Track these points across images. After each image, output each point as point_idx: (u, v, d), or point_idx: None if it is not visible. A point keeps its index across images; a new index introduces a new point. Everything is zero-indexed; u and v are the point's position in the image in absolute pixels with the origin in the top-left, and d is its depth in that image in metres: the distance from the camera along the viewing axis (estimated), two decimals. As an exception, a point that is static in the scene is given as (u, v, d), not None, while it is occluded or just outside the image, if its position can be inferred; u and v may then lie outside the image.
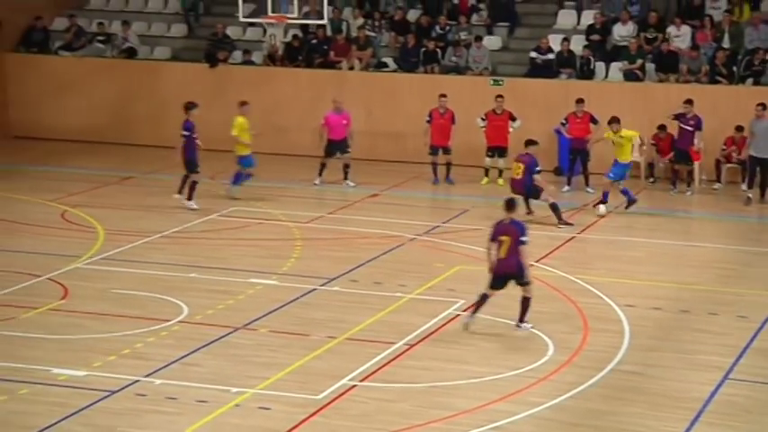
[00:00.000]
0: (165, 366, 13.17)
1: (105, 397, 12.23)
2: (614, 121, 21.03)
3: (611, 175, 20.84)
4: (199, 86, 26.95)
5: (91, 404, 12.03)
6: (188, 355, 13.60)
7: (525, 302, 14.49)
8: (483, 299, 14.41)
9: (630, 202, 20.94)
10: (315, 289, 16.26)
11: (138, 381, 12.71)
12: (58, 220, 19.99)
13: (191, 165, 20.86)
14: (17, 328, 14.34)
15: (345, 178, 23.01)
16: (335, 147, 23.10)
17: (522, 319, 14.55)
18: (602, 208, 20.71)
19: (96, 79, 27.39)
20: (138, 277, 16.69)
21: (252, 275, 16.80)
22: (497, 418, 11.89)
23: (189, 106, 21.09)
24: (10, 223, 19.80)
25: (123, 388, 12.49)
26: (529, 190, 19.91)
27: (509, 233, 14.23)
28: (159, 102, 27.11)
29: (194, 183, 20.75)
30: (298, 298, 15.89)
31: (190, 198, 20.69)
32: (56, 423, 11.54)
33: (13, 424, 11.53)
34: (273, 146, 25.48)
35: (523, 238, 14.18)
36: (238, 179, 21.87)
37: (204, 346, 13.90)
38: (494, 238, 14.33)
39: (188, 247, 18.40)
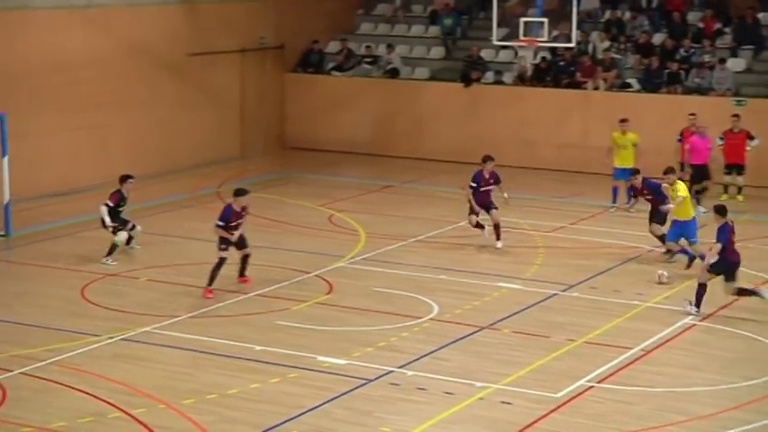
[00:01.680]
0: (416, 359, 13.33)
1: (363, 384, 12.50)
2: (668, 171, 17.45)
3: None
4: (454, 104, 27.19)
5: (350, 390, 12.32)
6: (437, 350, 13.71)
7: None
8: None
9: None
10: (556, 294, 16.08)
11: (392, 371, 12.92)
12: (326, 223, 20.60)
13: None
14: (290, 319, 14.86)
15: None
16: (699, 172, 21.22)
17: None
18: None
19: (363, 97, 28.07)
20: (395, 277, 16.98)
21: (498, 279, 16.78)
22: (732, 426, 11.40)
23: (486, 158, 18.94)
24: (284, 225, 20.56)
25: (379, 377, 12.72)
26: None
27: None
28: (418, 117, 27.51)
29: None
30: (540, 302, 15.75)
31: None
32: (320, 405, 11.88)
33: (284, 403, 11.95)
34: (521, 159, 25.40)
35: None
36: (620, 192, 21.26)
37: (452, 343, 13.98)
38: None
39: (439, 251, 18.57)
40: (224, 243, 16.00)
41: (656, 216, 17.93)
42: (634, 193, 18.62)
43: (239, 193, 16.20)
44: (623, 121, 21.96)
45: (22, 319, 14.60)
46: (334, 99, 28.28)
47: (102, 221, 17.73)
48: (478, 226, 18.69)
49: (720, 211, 14.91)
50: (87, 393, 11.99)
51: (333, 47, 29.53)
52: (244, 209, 16.18)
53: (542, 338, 14.18)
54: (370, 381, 12.62)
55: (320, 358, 13.27)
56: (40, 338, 13.81)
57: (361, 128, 27.97)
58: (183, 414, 11.49)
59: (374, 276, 17.02)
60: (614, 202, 21.69)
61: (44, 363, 12.91)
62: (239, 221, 16.10)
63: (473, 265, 17.60)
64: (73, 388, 12.14)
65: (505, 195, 18.51)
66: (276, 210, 21.76)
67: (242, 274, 16.43)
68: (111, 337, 13.90)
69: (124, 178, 17.90)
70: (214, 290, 15.71)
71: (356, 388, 12.39)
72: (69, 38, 22.91)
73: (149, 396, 11.97)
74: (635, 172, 18.54)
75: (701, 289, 14.91)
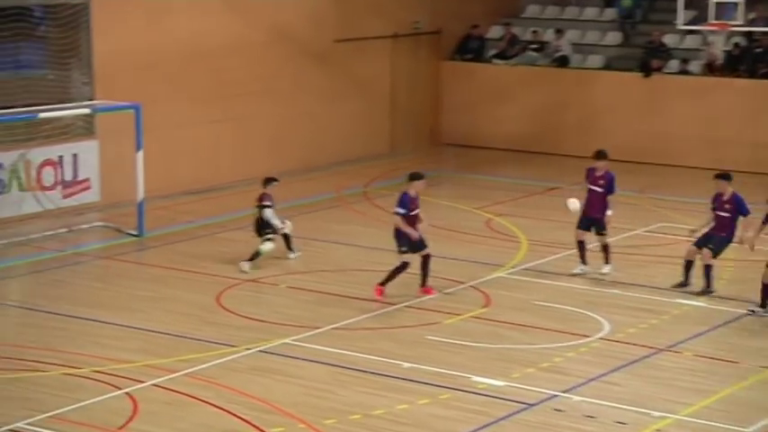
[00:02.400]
0: (583, 383, 13.20)
1: (523, 409, 12.44)
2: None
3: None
4: (631, 96, 26.81)
5: (508, 415, 12.28)
6: (608, 373, 13.54)
7: None
8: None
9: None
10: (743, 315, 15.68)
11: (556, 396, 12.82)
12: (483, 228, 20.59)
13: None
14: (441, 333, 14.92)
15: None
16: None
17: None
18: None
19: (527, 87, 27.95)
20: (559, 290, 16.84)
21: (678, 295, 16.46)
22: None
23: None
24: (437, 229, 20.62)
25: (541, 402, 12.65)
26: None
27: None
28: (589, 111, 27.23)
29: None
30: (728, 322, 15.38)
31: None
32: (476, 430, 11.89)
33: (433, 427, 12.00)
34: (707, 160, 24.85)
35: None
36: None
37: (625, 366, 13.78)
38: None
39: (612, 263, 18.31)
40: (404, 243, 16.04)
41: None
42: None
43: (415, 177, 16.23)
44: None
45: (154, 327, 15.08)
46: (495, 90, 28.25)
47: (260, 226, 18.00)
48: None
49: None
50: (222, 409, 12.30)
51: (495, 32, 29.50)
52: (417, 197, 16.23)
53: (730, 364, 13.83)
54: (531, 405, 12.55)
55: (475, 378, 13.27)
56: (173, 348, 14.24)
57: (525, 122, 27.84)
58: (324, 435, 11.67)
59: (536, 289, 16.92)
60: None
61: (177, 374, 13.31)
62: (418, 211, 16.12)
63: (650, 279, 17.32)
64: (207, 402, 12.47)
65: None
66: (428, 213, 21.71)
67: (424, 282, 16.41)
68: (248, 349, 14.23)
69: (268, 180, 18.27)
70: (384, 292, 15.89)
71: (515, 413, 12.35)
72: (208, 24, 23.56)
73: (288, 414, 12.20)
74: None
75: None
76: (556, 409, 12.46)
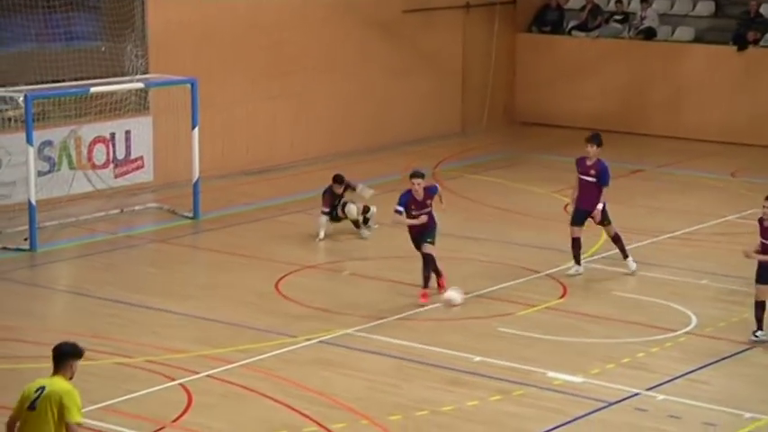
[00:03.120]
0: (668, 381, 13.11)
1: (602, 408, 12.39)
2: None
3: None
4: (723, 72, 26.51)
5: (586, 414, 12.24)
6: (695, 370, 13.44)
7: None
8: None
9: None
10: None
11: (638, 394, 12.75)
12: (560, 214, 20.48)
13: None
14: (514, 325, 14.90)
15: None
16: None
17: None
18: None
19: (610, 62, 27.74)
20: (642, 280, 16.74)
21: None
22: None
23: None
24: (512, 213, 20.59)
25: (622, 400, 12.59)
26: None
27: None
28: (677, 88, 26.97)
29: None
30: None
31: None
32: (550, 430, 11.87)
33: (505, 425, 12.00)
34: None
35: None
36: None
37: (714, 363, 13.67)
38: None
39: (699, 251, 18.18)
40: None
41: None
42: None
43: (414, 175, 15.74)
44: None
45: (209, 315, 15.23)
46: (574, 65, 28.07)
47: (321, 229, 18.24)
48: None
49: None
50: (280, 402, 12.40)
51: (575, 2, 29.30)
52: (428, 197, 15.78)
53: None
54: (611, 404, 12.50)
55: (550, 374, 13.25)
56: (230, 337, 14.37)
57: (607, 99, 27.65)
58: (389, 432, 11.72)
59: (616, 278, 16.84)
60: None
61: (233, 365, 13.43)
62: (421, 212, 15.71)
63: (741, 269, 17.12)
64: (264, 395, 12.57)
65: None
66: (501, 196, 21.82)
67: (425, 283, 15.61)
68: (308, 339, 14.32)
69: (338, 179, 18.46)
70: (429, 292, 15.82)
71: (594, 412, 12.30)
72: (268, -7, 23.67)
73: (350, 409, 12.26)
74: None
75: None
76: (638, 409, 12.39)
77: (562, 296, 16.08)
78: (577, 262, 17.05)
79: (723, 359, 13.80)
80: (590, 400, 12.58)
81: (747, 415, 12.21)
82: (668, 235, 19.01)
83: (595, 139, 16.97)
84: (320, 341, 14.28)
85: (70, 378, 9.04)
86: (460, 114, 27.71)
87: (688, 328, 14.82)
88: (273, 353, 13.85)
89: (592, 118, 27.60)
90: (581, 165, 17.07)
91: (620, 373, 13.36)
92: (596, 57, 27.93)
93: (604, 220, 16.93)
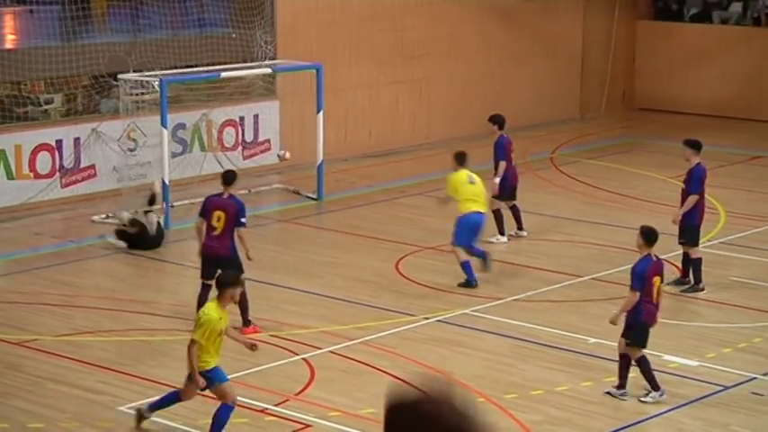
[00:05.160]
0: (785, 366, 12.83)
1: (718, 391, 12.18)
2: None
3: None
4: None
5: (702, 397, 12.04)
6: (812, 356, 13.13)
7: None
8: None
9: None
10: None
11: (754, 378, 12.50)
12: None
13: None
14: (629, 308, 14.67)
15: None
16: None
17: None
18: None
19: (730, 49, 27.16)
20: (760, 265, 16.39)
21: None
22: None
23: None
24: (628, 199, 20.30)
25: (738, 384, 12.35)
26: None
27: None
28: (797, 75, 26.32)
29: None
30: None
31: None
32: (665, 412, 11.69)
33: (620, 407, 11.86)
34: None
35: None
36: None
37: (831, 350, 13.34)
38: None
39: (819, 238, 17.73)
40: (204, 263, 13.55)
41: None
42: None
43: (226, 178, 13.88)
44: None
45: (332, 293, 15.33)
46: (693, 51, 27.56)
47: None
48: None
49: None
50: (399, 378, 12.42)
51: (695, -11, 28.76)
52: (228, 204, 13.50)
53: None
54: (727, 388, 12.27)
55: (666, 357, 13.05)
56: (351, 315, 14.45)
57: (726, 86, 27.09)
58: (505, 410, 11.65)
59: (734, 263, 16.53)
60: None
61: (354, 342, 13.51)
62: (218, 228, 13.37)
63: None
64: (384, 371, 12.61)
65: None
66: (619, 181, 21.54)
67: (245, 321, 13.54)
68: (427, 318, 14.32)
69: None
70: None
71: (710, 395, 12.10)
72: (390, -20, 23.67)
73: (467, 386, 12.23)
74: None
75: None
76: (754, 393, 12.15)
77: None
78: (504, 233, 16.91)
79: (841, 346, 13.44)
80: (706, 383, 12.38)
81: None
82: (787, 221, 18.56)
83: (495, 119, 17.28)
84: (438, 320, 14.27)
85: (232, 301, 10.87)
86: (579, 100, 27.41)
87: (805, 315, 14.46)
88: (392, 331, 13.88)
89: (710, 104, 27.14)
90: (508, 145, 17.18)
91: (737, 357, 13.11)
92: (716, 44, 27.37)
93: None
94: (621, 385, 11.92)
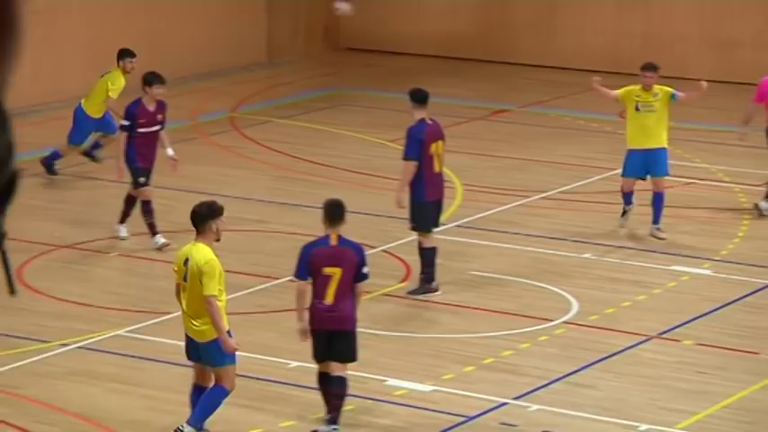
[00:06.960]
0: (542, 386, 13.32)
1: (459, 424, 12.52)
2: None
3: None
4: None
5: (437, 432, 12.39)
6: (577, 371, 13.70)
7: None
8: None
9: None
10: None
11: (504, 404, 12.92)
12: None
13: None
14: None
15: None
16: None
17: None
18: None
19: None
20: (509, 254, 16.94)
21: (674, 261, 16.68)
22: None
23: None
24: (337, 170, 20.58)
25: (484, 413, 12.75)
26: None
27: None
28: (551, 4, 27.32)
29: None
30: (741, 298, 15.64)
31: None
32: None
33: None
34: None
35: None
36: None
37: (600, 360, 13.95)
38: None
39: (582, 215, 18.47)
40: (139, 172, 16.21)
41: None
42: None
43: (150, 80, 16.18)
44: None
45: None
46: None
47: None
48: None
49: None
50: None
51: None
52: (160, 107, 16.21)
53: (746, 356, 14.15)
54: (470, 418, 12.66)
55: (390, 382, 13.36)
56: None
57: (459, 19, 27.84)
58: None
59: (475, 253, 17.09)
60: None
61: None
62: (153, 128, 16.20)
63: (636, 239, 17.46)
64: (4, 422, 12.36)
65: None
66: (323, 147, 21.72)
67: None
68: (65, 345, 14.14)
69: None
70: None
71: (449, 429, 12.41)
72: None
73: None
74: None
75: None
76: (504, 424, 12.55)
77: (403, 280, 16.03)
78: None
79: (611, 355, 14.07)
80: (442, 414, 12.69)
81: (643, 427, 12.50)
82: (540, 195, 19.21)
83: None
84: (80, 347, 14.12)
85: (216, 240, 11.39)
86: (266, 38, 27.53)
87: (567, 317, 15.07)
88: (15, 365, 13.64)
89: (436, 42, 27.72)
90: None
91: (481, 377, 13.52)
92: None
93: None
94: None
